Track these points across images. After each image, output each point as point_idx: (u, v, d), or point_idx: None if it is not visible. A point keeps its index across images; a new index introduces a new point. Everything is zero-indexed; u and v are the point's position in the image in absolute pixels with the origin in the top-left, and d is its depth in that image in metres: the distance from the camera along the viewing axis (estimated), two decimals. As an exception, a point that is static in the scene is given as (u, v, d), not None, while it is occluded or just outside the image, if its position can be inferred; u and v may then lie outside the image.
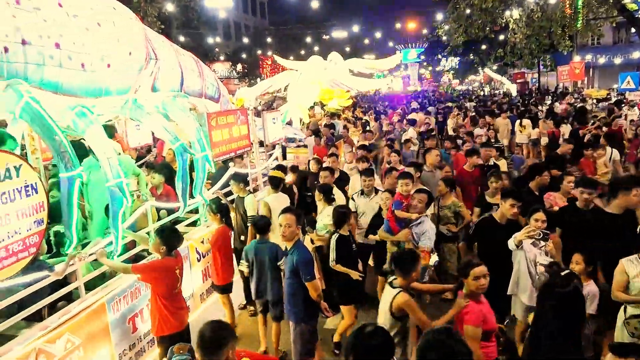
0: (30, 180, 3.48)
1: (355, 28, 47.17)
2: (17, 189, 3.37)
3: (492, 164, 8.22)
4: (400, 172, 6.22)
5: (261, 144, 8.97)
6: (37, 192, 3.53)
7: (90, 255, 4.22)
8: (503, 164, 8.54)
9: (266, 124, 8.62)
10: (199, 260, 6.00)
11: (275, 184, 6.69)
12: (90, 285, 4.35)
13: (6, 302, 3.54)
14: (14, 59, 3.71)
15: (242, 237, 6.38)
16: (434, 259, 5.18)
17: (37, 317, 3.88)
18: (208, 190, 6.64)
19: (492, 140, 12.06)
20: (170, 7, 21.30)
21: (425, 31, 52.18)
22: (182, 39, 29.60)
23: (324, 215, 5.99)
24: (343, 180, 7.93)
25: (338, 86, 16.47)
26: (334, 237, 5.08)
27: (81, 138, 4.85)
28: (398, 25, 55.41)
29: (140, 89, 5.38)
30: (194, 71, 6.69)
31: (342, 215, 5.10)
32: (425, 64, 70.60)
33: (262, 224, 5.19)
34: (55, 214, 4.26)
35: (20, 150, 5.42)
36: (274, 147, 9.64)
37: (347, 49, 48.32)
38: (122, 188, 4.39)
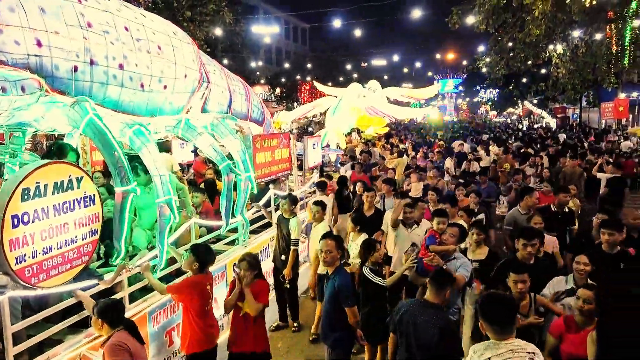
0: (89, 191, 3.67)
1: (395, 57, 47.55)
2: (77, 199, 3.57)
3: (568, 210, 7.08)
4: (436, 210, 6.07)
5: (299, 167, 9.12)
6: (94, 204, 3.72)
7: (136, 267, 4.36)
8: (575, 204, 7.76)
9: (307, 148, 8.77)
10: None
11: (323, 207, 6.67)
12: (133, 296, 4.48)
13: (55, 308, 3.69)
14: (82, 77, 3.97)
15: (283, 257, 6.44)
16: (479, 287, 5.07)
17: (83, 324, 4.02)
18: (248, 210, 6.77)
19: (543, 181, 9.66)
20: (217, 32, 22.09)
21: (465, 62, 52.13)
22: (225, 61, 30.53)
23: (355, 245, 5.99)
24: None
25: (376, 114, 16.60)
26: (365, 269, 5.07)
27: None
28: (437, 56, 55.50)
29: (192, 110, 5.61)
30: (241, 94, 6.93)
31: (369, 247, 5.12)
32: (462, 94, 70.31)
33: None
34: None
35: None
36: (312, 171, 9.78)
37: (386, 77, 48.67)
38: (171, 205, 4.55)
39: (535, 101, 47.21)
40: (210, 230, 6.17)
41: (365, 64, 54.11)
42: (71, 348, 3.70)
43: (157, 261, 4.59)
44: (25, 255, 3.16)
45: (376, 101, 16.05)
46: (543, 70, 35.12)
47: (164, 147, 5.13)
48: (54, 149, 4.65)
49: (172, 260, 5.08)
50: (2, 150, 5.44)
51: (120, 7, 4.71)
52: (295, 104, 40.71)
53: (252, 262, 4.54)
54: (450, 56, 56.33)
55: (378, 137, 20.39)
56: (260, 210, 7.11)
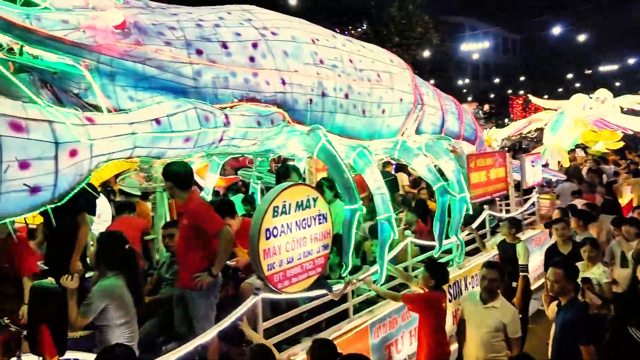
0: (323, 210, 4.11)
1: (630, 60, 40.87)
2: (312, 216, 4.02)
3: None
4: None
5: (516, 187, 8.54)
6: (326, 221, 4.14)
7: (359, 280, 4.66)
8: None
9: (525, 166, 8.19)
10: (450, 301, 5.98)
11: None
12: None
13: (292, 313, 4.16)
14: (316, 108, 4.51)
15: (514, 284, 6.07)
16: None
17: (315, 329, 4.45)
18: (462, 232, 6.62)
19: None
20: (425, 53, 22.43)
21: None
22: (432, 81, 30.75)
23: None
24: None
25: (606, 127, 14.57)
26: None
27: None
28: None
29: (407, 132, 5.80)
30: (453, 113, 6.89)
31: None
32: None
33: None
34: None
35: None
36: (530, 191, 9.05)
37: (617, 83, 42.19)
38: (391, 222, 4.77)
39: None
40: (423, 250, 6.21)
41: (590, 71, 47.89)
42: (304, 351, 4.11)
43: (378, 276, 4.83)
44: (274, 263, 3.69)
45: (606, 112, 14.11)
46: None
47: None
48: (281, 171, 5.33)
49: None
50: (250, 173, 6.50)
51: (345, 42, 5.21)
52: (506, 120, 38.34)
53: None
54: None
55: (610, 152, 17.75)
56: (472, 233, 6.88)
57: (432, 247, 6.11)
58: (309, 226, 3.99)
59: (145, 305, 4.01)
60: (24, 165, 2.41)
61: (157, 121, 3.13)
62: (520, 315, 5.89)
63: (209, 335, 3.45)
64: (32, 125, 2.47)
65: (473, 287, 6.29)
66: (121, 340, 3.18)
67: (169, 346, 3.67)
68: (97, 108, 3.11)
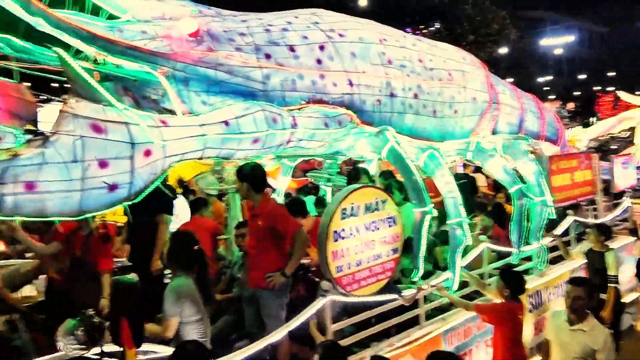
0: (392, 213, 4.03)
1: None
2: (381, 219, 3.96)
3: None
4: None
5: (605, 191, 7.90)
6: (395, 224, 4.05)
7: (432, 287, 4.51)
8: None
9: (615, 169, 7.56)
10: (530, 311, 5.64)
11: None
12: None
13: (361, 317, 4.09)
14: (384, 109, 4.44)
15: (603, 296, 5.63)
16: None
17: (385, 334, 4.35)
18: (544, 238, 6.21)
19: None
20: (502, 50, 21.50)
21: None
22: (509, 78, 29.40)
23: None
24: None
25: None
26: None
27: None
28: None
29: (482, 132, 5.55)
30: (533, 112, 6.52)
31: None
32: None
33: None
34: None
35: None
36: (620, 195, 8.34)
37: None
38: (462, 226, 4.58)
39: None
40: (500, 256, 5.90)
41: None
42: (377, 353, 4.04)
43: (449, 283, 4.65)
44: (342, 266, 3.67)
45: None
46: None
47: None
48: (352, 173, 5.26)
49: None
50: (320, 175, 6.52)
51: (415, 41, 5.09)
52: (593, 119, 35.71)
53: None
54: None
55: None
56: (555, 240, 6.43)
57: (509, 254, 5.79)
58: (378, 229, 3.93)
59: (216, 304, 4.13)
60: (103, 164, 2.59)
61: (226, 123, 3.22)
62: (611, 331, 5.43)
63: (279, 334, 3.49)
64: (111, 127, 2.65)
65: (557, 297, 5.89)
66: (194, 337, 3.29)
67: (240, 344, 3.75)
68: (173, 113, 3.25)
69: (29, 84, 3.09)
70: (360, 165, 6.07)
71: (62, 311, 3.09)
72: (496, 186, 8.83)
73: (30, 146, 2.46)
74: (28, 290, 4.71)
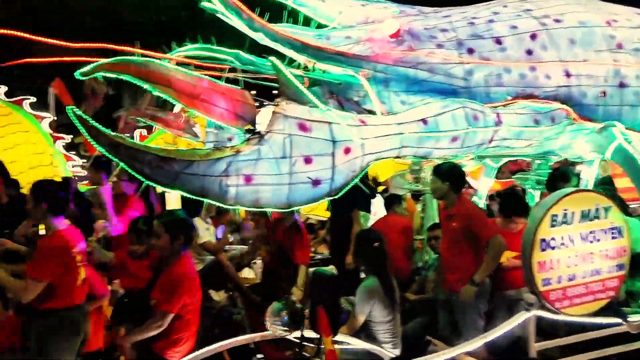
0: (617, 223, 3.44)
1: None
2: (603, 229, 3.41)
3: None
4: None
5: None
6: (622, 236, 3.45)
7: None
8: None
9: None
10: None
11: None
12: None
13: (573, 339, 3.58)
14: (610, 101, 3.85)
15: None
16: None
17: None
18: None
19: None
20: None
21: None
22: None
23: None
24: None
25: None
26: None
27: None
28: None
29: None
30: None
31: None
32: None
33: None
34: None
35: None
36: None
37: None
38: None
39: None
40: None
41: None
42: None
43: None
44: (550, 279, 3.26)
45: None
46: None
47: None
48: (556, 175, 4.64)
49: None
50: (528, 177, 5.95)
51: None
52: None
53: None
54: None
55: None
56: None
57: None
58: (598, 240, 3.39)
59: (405, 304, 4.10)
60: (307, 160, 2.82)
61: (424, 121, 3.20)
62: None
63: (474, 344, 3.29)
64: (315, 126, 2.87)
65: None
66: (384, 337, 3.34)
67: (432, 347, 3.67)
68: (373, 113, 3.35)
69: (254, 92, 3.53)
70: (570, 167, 5.34)
71: (274, 294, 3.47)
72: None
73: (249, 144, 2.81)
74: (246, 273, 5.43)
